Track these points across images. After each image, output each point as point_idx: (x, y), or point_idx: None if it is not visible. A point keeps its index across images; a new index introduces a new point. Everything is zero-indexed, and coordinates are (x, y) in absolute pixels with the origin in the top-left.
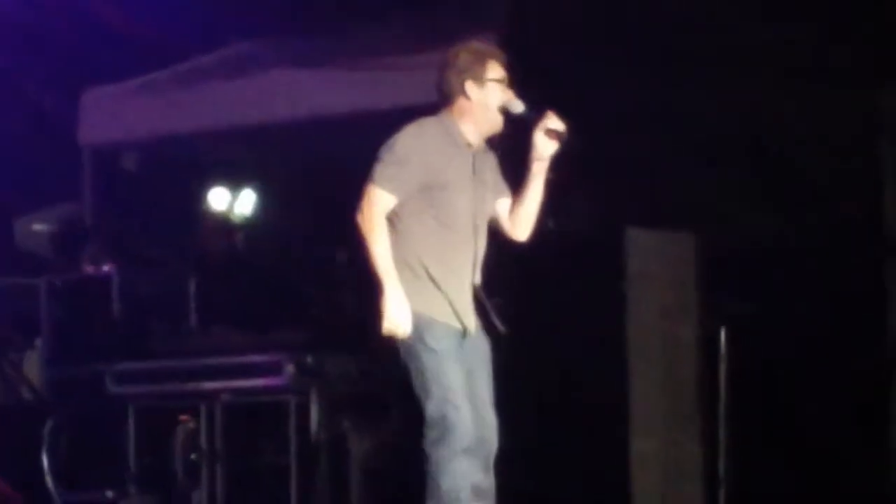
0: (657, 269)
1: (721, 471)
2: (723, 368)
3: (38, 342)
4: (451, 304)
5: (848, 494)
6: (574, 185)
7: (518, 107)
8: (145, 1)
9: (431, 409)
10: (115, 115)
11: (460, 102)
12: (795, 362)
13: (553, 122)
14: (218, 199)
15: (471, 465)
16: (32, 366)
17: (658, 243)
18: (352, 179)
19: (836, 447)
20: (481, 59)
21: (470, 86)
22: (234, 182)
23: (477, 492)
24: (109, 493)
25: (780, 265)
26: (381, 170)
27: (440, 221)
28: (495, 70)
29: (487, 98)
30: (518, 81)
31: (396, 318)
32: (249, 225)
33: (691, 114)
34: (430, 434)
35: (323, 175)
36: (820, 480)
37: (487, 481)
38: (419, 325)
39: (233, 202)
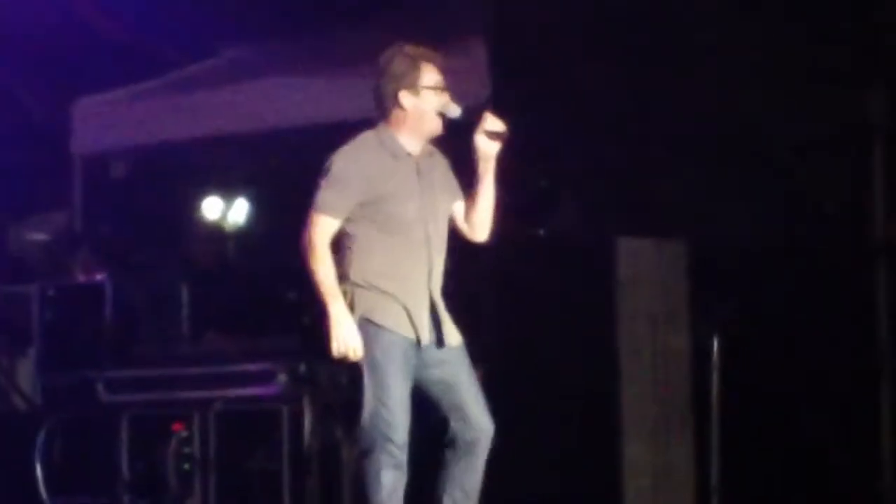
0: (648, 275)
1: (713, 478)
2: (715, 375)
3: (31, 350)
4: (406, 313)
5: (840, 500)
6: (564, 193)
7: (455, 111)
8: (136, 10)
9: (364, 419)
10: (107, 123)
11: (396, 112)
12: (786, 367)
13: (491, 123)
14: (211, 207)
15: (398, 479)
16: (25, 373)
17: (648, 250)
18: None
19: (828, 452)
20: (415, 65)
21: (404, 95)
22: (228, 191)
23: (463, 491)
24: (102, 501)
25: (770, 270)
26: (321, 195)
27: (388, 233)
28: (429, 75)
29: (423, 106)
30: (506, 88)
31: (345, 340)
32: (242, 233)
33: (680, 119)
34: (362, 444)
35: (315, 183)
36: (811, 486)
37: (474, 481)
38: (368, 332)
39: (226, 211)
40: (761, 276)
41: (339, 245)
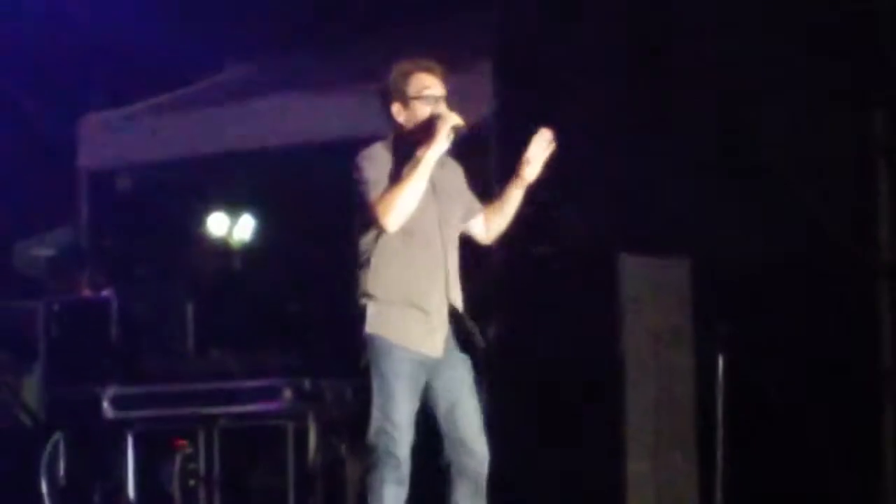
0: (652, 294)
1: (717, 495)
2: (719, 392)
3: (36, 365)
4: (422, 324)
5: None
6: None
7: (454, 120)
8: (143, 26)
9: (370, 434)
10: (114, 139)
11: (396, 126)
12: (789, 384)
13: (452, 118)
14: (217, 223)
15: (399, 494)
16: (30, 389)
17: (653, 268)
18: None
19: (831, 471)
20: (404, 77)
21: (396, 109)
22: (233, 207)
23: None
24: None
25: (774, 288)
26: (367, 189)
27: (405, 242)
28: (417, 84)
29: (415, 116)
30: (510, 105)
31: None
32: (248, 249)
33: (685, 137)
34: (367, 459)
35: (321, 200)
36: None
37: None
38: (378, 348)
39: (231, 227)
40: (765, 294)
41: (357, 259)
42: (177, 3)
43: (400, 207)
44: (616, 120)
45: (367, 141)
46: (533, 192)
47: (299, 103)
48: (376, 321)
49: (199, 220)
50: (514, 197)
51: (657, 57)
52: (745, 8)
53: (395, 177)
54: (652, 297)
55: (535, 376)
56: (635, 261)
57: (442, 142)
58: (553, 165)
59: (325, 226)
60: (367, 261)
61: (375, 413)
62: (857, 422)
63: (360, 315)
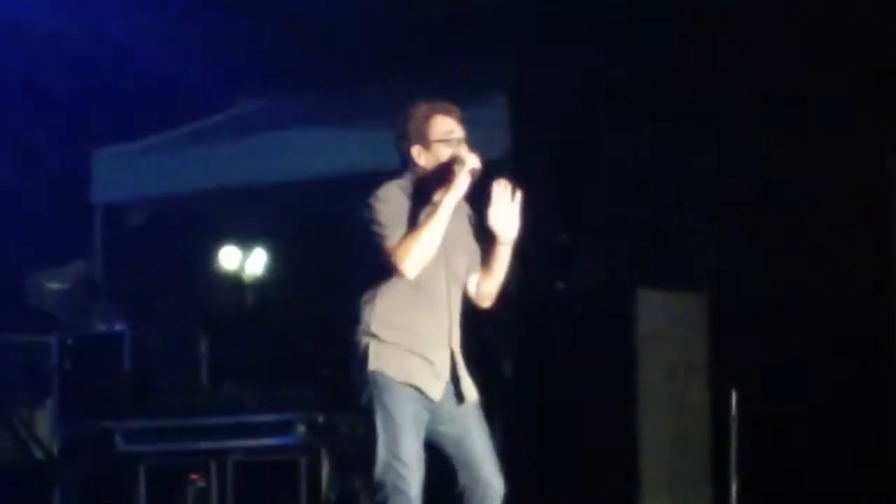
0: (667, 329)
1: None
2: (734, 427)
3: (49, 399)
4: (423, 367)
5: None
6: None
7: (473, 162)
8: (156, 60)
9: (378, 472)
10: (127, 173)
11: (413, 167)
12: (804, 420)
13: (470, 159)
14: (229, 257)
15: None
16: (43, 423)
17: (668, 303)
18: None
19: None
20: (424, 120)
21: (417, 151)
22: (245, 241)
23: None
24: None
25: (789, 324)
26: (385, 232)
27: (412, 286)
28: (439, 127)
29: (437, 159)
30: (527, 144)
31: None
32: (260, 283)
33: (701, 175)
34: (376, 497)
35: (334, 234)
36: None
37: None
38: (381, 385)
39: (244, 261)
40: (780, 329)
41: (364, 295)
42: (190, 38)
43: (420, 254)
44: (632, 158)
45: (380, 175)
46: (549, 229)
47: (312, 138)
48: (379, 359)
49: (212, 254)
50: (500, 256)
51: (672, 96)
52: (762, 51)
53: (412, 220)
54: (667, 333)
55: (550, 411)
56: (651, 296)
57: (461, 186)
58: (570, 204)
59: (336, 259)
60: (372, 299)
61: (381, 451)
62: (871, 458)
63: (362, 352)
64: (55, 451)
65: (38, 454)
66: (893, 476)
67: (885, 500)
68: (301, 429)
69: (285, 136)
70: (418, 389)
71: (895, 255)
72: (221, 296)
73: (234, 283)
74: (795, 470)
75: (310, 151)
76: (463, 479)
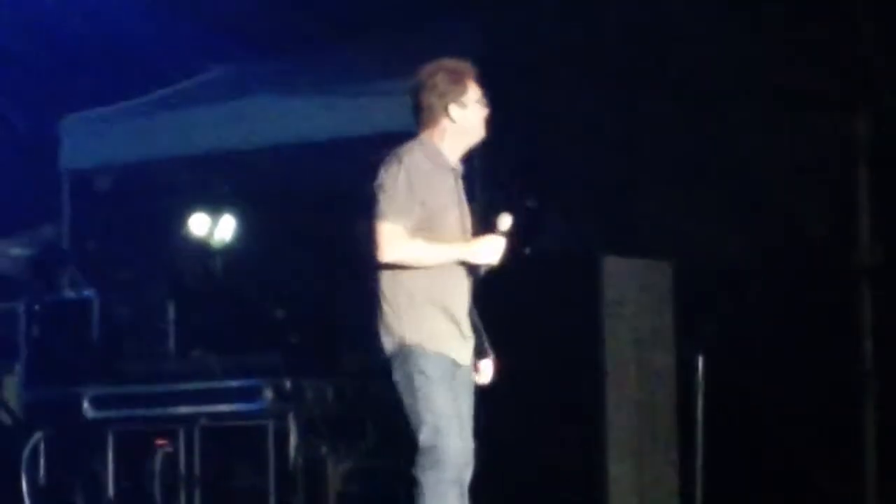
0: (633, 295)
1: (698, 495)
2: (699, 393)
3: (17, 365)
4: (453, 329)
5: None
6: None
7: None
8: (125, 26)
9: (424, 436)
10: (95, 139)
11: (443, 125)
12: (769, 385)
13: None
14: (198, 224)
15: (455, 494)
16: (11, 389)
17: (634, 270)
18: (332, 205)
19: (813, 470)
20: (461, 81)
21: (454, 109)
22: (214, 208)
23: None
24: None
25: (755, 290)
26: (385, 203)
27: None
28: (475, 89)
29: (471, 119)
30: (493, 110)
31: (490, 249)
32: (228, 250)
33: (666, 141)
34: (421, 461)
35: (303, 201)
36: (795, 503)
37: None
38: (415, 353)
39: (213, 228)
40: (745, 295)
41: (390, 264)
42: (158, 4)
43: (403, 259)
44: (597, 124)
45: (348, 141)
46: (515, 195)
47: (280, 105)
48: (410, 330)
49: (181, 221)
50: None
51: (639, 61)
52: (729, 13)
53: (430, 188)
54: (633, 299)
55: (515, 378)
56: (616, 263)
57: (476, 266)
58: (536, 170)
59: (305, 226)
60: (390, 266)
61: (426, 415)
62: (838, 422)
63: (384, 322)
64: (22, 416)
65: (6, 420)
66: (861, 441)
67: (853, 464)
68: (268, 394)
69: (253, 103)
70: (448, 355)
71: (863, 220)
72: (189, 262)
73: (203, 249)
74: (761, 436)
75: (278, 118)
76: None
